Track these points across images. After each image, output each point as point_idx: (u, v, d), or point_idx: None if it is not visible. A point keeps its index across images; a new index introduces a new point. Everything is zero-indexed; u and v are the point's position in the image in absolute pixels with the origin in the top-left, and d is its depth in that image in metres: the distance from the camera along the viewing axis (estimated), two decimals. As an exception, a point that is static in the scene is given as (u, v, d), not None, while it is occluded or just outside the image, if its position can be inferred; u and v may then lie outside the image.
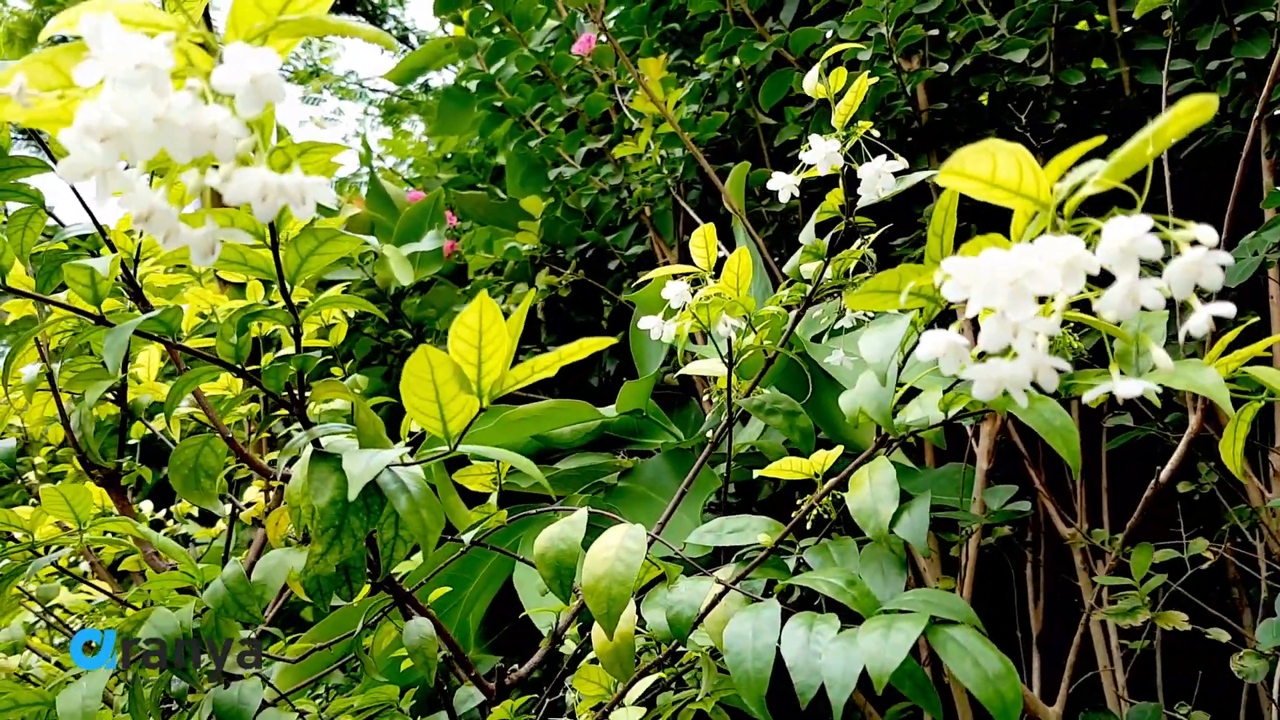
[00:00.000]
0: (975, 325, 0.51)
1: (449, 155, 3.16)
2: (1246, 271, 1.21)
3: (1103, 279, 0.49)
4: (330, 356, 1.45)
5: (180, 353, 0.84)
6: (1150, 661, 1.49)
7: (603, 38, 1.67)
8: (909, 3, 1.30)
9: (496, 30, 2.13)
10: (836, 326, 0.98)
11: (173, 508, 1.62)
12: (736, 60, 1.65)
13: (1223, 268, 0.46)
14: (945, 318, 0.66)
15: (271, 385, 0.66)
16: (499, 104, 2.09)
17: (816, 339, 1.24)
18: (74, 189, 0.73)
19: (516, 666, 0.86)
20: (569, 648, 1.06)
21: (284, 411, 1.28)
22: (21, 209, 0.80)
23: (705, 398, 1.01)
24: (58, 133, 0.43)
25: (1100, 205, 0.52)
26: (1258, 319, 0.88)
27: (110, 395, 0.99)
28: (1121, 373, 0.59)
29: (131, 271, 0.75)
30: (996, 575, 1.61)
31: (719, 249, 0.95)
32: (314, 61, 3.79)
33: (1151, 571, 1.20)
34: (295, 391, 0.68)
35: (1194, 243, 0.45)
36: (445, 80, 3.93)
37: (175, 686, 0.88)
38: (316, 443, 0.66)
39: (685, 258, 1.95)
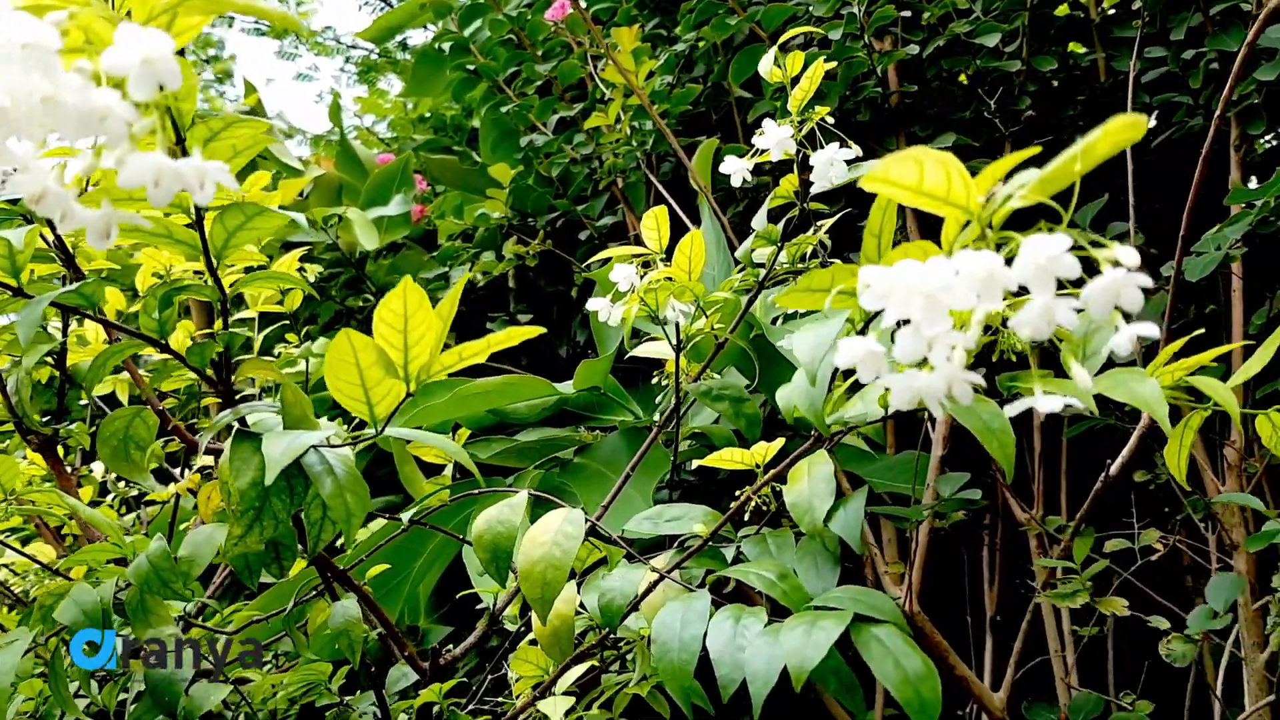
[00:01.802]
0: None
1: (426, 116, 3.12)
2: (1208, 266, 1.21)
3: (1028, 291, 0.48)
4: (287, 321, 1.43)
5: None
6: (1103, 649, 1.51)
7: (581, 2, 1.64)
8: (881, -18, 1.28)
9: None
10: (794, 311, 0.97)
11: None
12: (711, 32, 1.62)
13: (1143, 289, 0.45)
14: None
15: (196, 362, 0.65)
16: (472, 67, 2.06)
17: (777, 322, 1.23)
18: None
19: (452, 647, 0.86)
20: (515, 625, 1.06)
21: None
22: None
23: (655, 379, 1.00)
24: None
25: (1045, 215, 0.51)
26: (1203, 331, 0.88)
27: (49, 360, 0.97)
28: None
29: (62, 239, 0.74)
30: (951, 559, 1.62)
31: (688, 227, 0.94)
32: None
33: (1096, 557, 1.21)
34: (221, 370, 0.66)
35: (1115, 263, 0.44)
36: (427, 39, 3.88)
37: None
38: (242, 421, 0.65)
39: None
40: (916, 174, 0.50)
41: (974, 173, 0.54)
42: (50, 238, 0.76)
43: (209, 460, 1.40)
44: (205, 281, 0.63)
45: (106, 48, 0.41)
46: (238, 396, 1.25)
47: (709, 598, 0.69)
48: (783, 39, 0.80)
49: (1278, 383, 1.33)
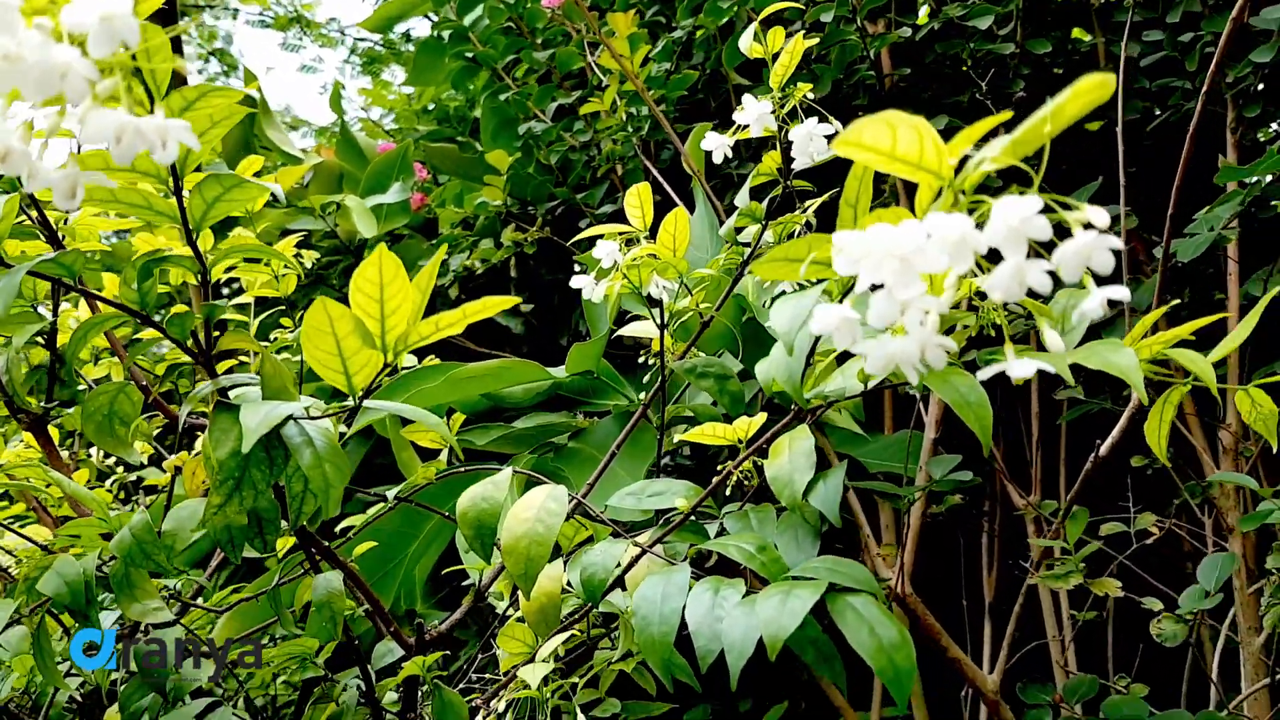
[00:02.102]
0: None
1: (429, 107, 3.13)
2: (1200, 247, 1.20)
3: (998, 257, 0.48)
4: (283, 307, 1.43)
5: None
6: (1101, 634, 1.51)
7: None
8: (874, -35, 1.28)
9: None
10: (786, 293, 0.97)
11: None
12: (706, 19, 1.62)
13: (1115, 252, 0.45)
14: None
15: (176, 333, 0.65)
16: (471, 55, 2.06)
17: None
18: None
19: (436, 623, 0.86)
20: (504, 604, 1.06)
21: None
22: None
23: (641, 359, 1.00)
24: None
25: (1021, 182, 0.51)
26: (1178, 301, 0.88)
27: (40, 339, 0.97)
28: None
29: (44, 212, 0.74)
30: (949, 543, 1.62)
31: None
32: (295, 7, 3.72)
33: (1089, 539, 1.21)
34: (201, 341, 0.67)
35: (1086, 225, 0.44)
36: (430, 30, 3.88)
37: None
38: (223, 393, 0.65)
39: (656, 218, 1.93)
40: (889, 138, 0.50)
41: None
42: (35, 215, 0.77)
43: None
44: (185, 253, 0.63)
45: (66, 5, 0.41)
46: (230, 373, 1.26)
47: (689, 571, 0.70)
48: (766, 13, 0.80)
49: (1276, 364, 1.32)
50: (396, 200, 1.99)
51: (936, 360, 0.51)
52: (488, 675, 0.99)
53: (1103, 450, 1.13)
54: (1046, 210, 0.46)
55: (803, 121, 0.81)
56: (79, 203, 0.43)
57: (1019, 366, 0.52)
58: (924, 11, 1.48)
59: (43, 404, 0.99)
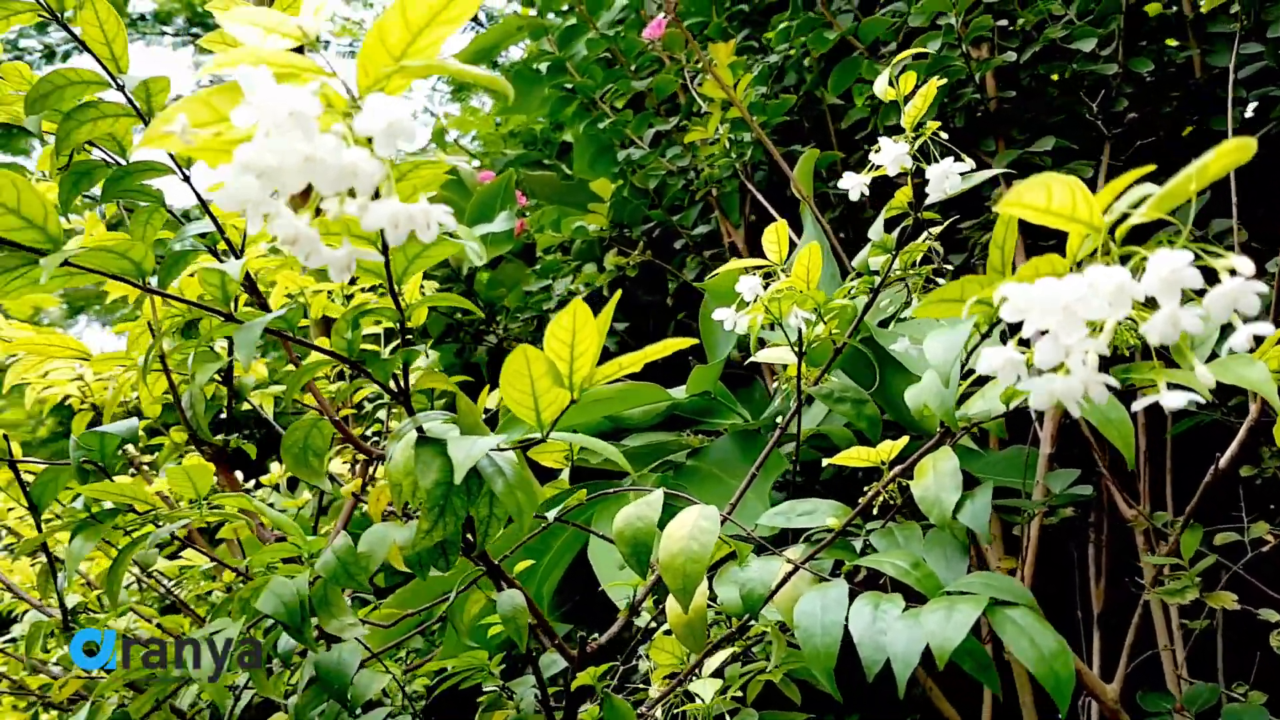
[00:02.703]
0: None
1: (515, 131, 3.22)
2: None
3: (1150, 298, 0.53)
4: (410, 335, 1.51)
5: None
6: (1211, 641, 1.51)
7: (673, 23, 1.70)
8: (977, -8, 1.32)
9: (565, 9, 2.17)
10: (895, 316, 1.02)
11: (262, 478, 1.71)
12: (805, 44, 1.67)
13: (1260, 296, 0.50)
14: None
15: (379, 376, 0.72)
16: (569, 85, 2.14)
17: (882, 324, 1.27)
18: (198, 195, 0.79)
19: (597, 636, 0.92)
20: (643, 619, 1.12)
21: (361, 387, 1.35)
22: (144, 207, 0.88)
23: (775, 384, 1.05)
24: (215, 164, 0.49)
25: (1159, 224, 0.55)
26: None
27: (217, 376, 1.06)
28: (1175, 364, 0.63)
29: (242, 262, 0.82)
30: (1059, 555, 1.64)
31: (789, 238, 0.99)
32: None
33: (1205, 551, 1.22)
34: (400, 382, 0.74)
35: (1232, 271, 0.49)
36: (510, 57, 3.98)
37: (280, 648, 0.95)
38: (420, 429, 0.72)
39: (751, 238, 1.99)
40: (1045, 197, 0.55)
41: (1078, 176, 0.59)
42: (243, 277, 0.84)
43: (337, 463, 1.50)
44: (386, 304, 0.70)
45: (340, 107, 0.48)
46: (362, 405, 1.34)
47: (846, 586, 0.74)
48: (899, 59, 0.85)
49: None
50: (503, 229, 2.07)
51: (1099, 396, 0.55)
52: (634, 687, 1.05)
53: (1222, 463, 1.15)
54: (1195, 259, 0.51)
55: (934, 156, 0.86)
56: (349, 275, 0.50)
57: (1171, 398, 0.56)
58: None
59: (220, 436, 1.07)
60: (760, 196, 1.68)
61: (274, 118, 0.44)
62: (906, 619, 0.68)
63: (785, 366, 1.00)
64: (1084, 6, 1.43)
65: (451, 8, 0.49)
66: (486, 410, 1.39)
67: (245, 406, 1.21)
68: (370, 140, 0.46)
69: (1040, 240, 1.44)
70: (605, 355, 0.69)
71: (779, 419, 1.13)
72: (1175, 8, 1.56)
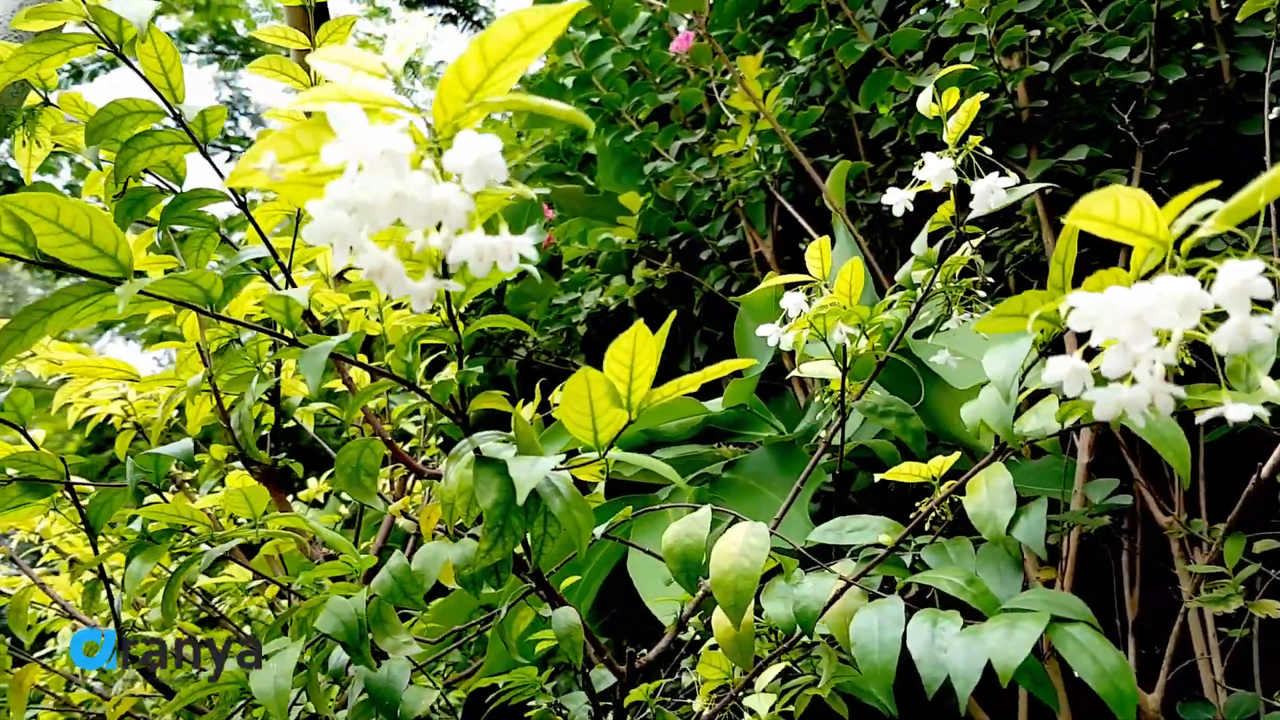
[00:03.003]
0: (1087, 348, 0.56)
1: (537, 141, 3.23)
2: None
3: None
4: (444, 351, 1.52)
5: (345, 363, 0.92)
6: (1247, 650, 1.51)
7: (701, 37, 1.71)
8: (1010, 3, 1.32)
9: (589, 24, 2.18)
10: (938, 327, 1.02)
11: (300, 494, 1.73)
12: (835, 56, 1.68)
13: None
14: (1060, 337, 0.70)
15: (439, 398, 0.73)
16: (595, 99, 2.15)
17: (918, 335, 1.28)
18: (252, 220, 0.80)
19: (645, 651, 0.92)
20: (686, 633, 1.13)
21: (402, 403, 1.36)
22: (198, 232, 0.89)
23: (814, 397, 1.06)
24: (302, 200, 0.50)
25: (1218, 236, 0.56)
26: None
27: (264, 396, 1.07)
28: (1231, 386, 0.63)
29: (307, 290, 0.83)
30: (1092, 563, 1.64)
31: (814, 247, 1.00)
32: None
33: (1247, 560, 1.22)
34: (459, 402, 0.74)
35: (1302, 281, 0.49)
36: (533, 70, 3.99)
37: (330, 666, 0.96)
38: (478, 450, 0.73)
39: (779, 248, 1.99)
40: (1113, 209, 0.56)
41: (1105, 184, 0.59)
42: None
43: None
44: (444, 326, 0.71)
45: (425, 145, 0.49)
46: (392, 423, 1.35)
47: (901, 603, 0.75)
48: (940, 75, 0.85)
49: None
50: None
51: (1165, 407, 0.56)
52: (678, 701, 1.05)
53: (1264, 471, 1.15)
54: (1265, 271, 0.51)
55: (978, 170, 0.87)
56: (429, 305, 0.51)
57: (1235, 410, 0.56)
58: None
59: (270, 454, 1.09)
60: (789, 207, 1.69)
61: (366, 155, 0.45)
62: (966, 636, 0.69)
63: (824, 380, 1.01)
64: (1114, 14, 1.43)
65: (528, 42, 0.50)
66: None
67: (289, 424, 1.22)
68: (456, 174, 0.47)
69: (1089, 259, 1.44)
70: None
71: (822, 432, 1.14)
72: (1201, 14, 1.56)
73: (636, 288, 2.03)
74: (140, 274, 0.71)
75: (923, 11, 1.70)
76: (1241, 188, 0.54)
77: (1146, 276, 0.60)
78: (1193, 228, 0.56)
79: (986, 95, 1.20)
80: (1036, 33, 1.41)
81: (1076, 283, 0.63)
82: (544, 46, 0.52)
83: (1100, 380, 0.57)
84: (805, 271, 0.97)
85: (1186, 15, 1.55)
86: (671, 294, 2.28)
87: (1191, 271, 0.56)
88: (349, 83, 0.50)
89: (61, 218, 0.59)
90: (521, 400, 1.16)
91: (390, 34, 0.51)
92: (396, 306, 1.44)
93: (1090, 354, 0.60)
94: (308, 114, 0.50)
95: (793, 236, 1.95)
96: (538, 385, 1.51)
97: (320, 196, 0.49)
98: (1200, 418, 0.60)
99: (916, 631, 0.72)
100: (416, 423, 1.44)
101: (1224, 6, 1.58)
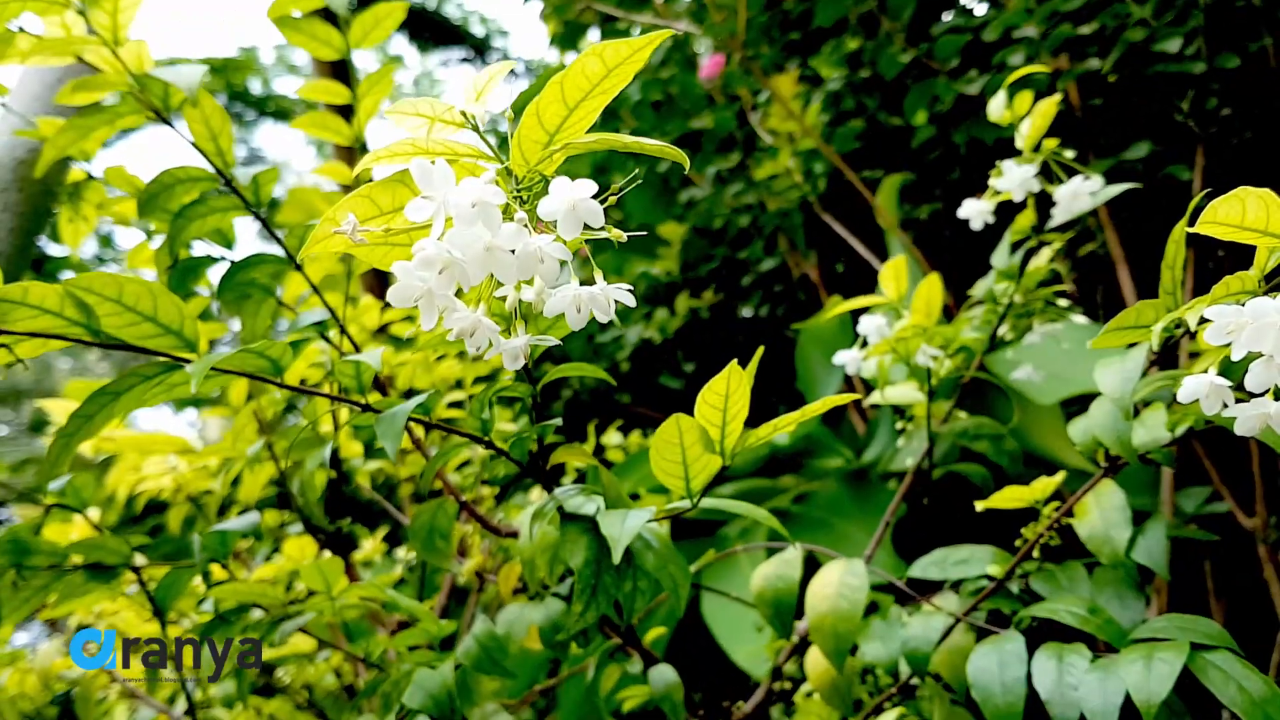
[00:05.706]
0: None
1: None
2: None
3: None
4: (539, 408, 1.49)
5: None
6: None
7: (735, 61, 1.69)
8: (1056, 2, 1.28)
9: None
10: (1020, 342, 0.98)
11: (352, 555, 1.70)
12: (868, 69, 1.64)
13: None
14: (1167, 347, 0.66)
15: (517, 454, 0.70)
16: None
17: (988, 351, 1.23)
18: (312, 285, 0.78)
19: (742, 704, 0.88)
20: (761, 677, 1.08)
21: (459, 452, 1.33)
22: (257, 297, 0.86)
23: (897, 424, 1.02)
24: (386, 263, 0.47)
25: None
26: None
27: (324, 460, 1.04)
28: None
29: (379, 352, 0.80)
30: (1174, 571, 1.58)
31: (865, 261, 0.96)
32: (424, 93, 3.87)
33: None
34: (540, 459, 0.71)
35: None
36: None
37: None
38: (561, 508, 0.69)
39: (824, 267, 1.95)
40: (1240, 211, 0.52)
41: (1169, 180, 0.56)
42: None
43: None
44: (519, 382, 0.68)
45: (510, 194, 0.46)
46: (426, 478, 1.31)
47: (1022, 639, 0.70)
48: (1010, 79, 0.82)
49: None
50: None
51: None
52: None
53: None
54: None
55: (1058, 178, 0.83)
56: (521, 362, 0.48)
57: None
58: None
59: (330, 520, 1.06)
60: (837, 226, 1.65)
61: (458, 209, 0.42)
62: (1098, 671, 0.64)
63: (911, 405, 0.97)
64: (1159, 4, 1.39)
65: (609, 79, 0.47)
66: (576, 470, 1.36)
67: (349, 487, 1.19)
68: (549, 222, 0.43)
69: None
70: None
71: (908, 461, 1.10)
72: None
73: (680, 319, 2.00)
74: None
75: (946, 17, 1.67)
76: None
77: (1270, 277, 0.56)
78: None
79: (1061, 98, 1.16)
80: (1085, 29, 1.37)
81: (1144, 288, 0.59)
82: (624, 82, 0.49)
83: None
84: (853, 292, 0.94)
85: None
86: (712, 324, 2.25)
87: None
88: (425, 135, 0.47)
89: (124, 297, 0.57)
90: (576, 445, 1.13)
91: (464, 79, 0.48)
92: (440, 358, 1.41)
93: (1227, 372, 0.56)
94: (353, 174, 0.47)
95: (832, 256, 1.91)
96: (590, 427, 1.47)
97: (403, 256, 0.46)
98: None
99: (1042, 669, 0.67)
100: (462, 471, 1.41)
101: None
